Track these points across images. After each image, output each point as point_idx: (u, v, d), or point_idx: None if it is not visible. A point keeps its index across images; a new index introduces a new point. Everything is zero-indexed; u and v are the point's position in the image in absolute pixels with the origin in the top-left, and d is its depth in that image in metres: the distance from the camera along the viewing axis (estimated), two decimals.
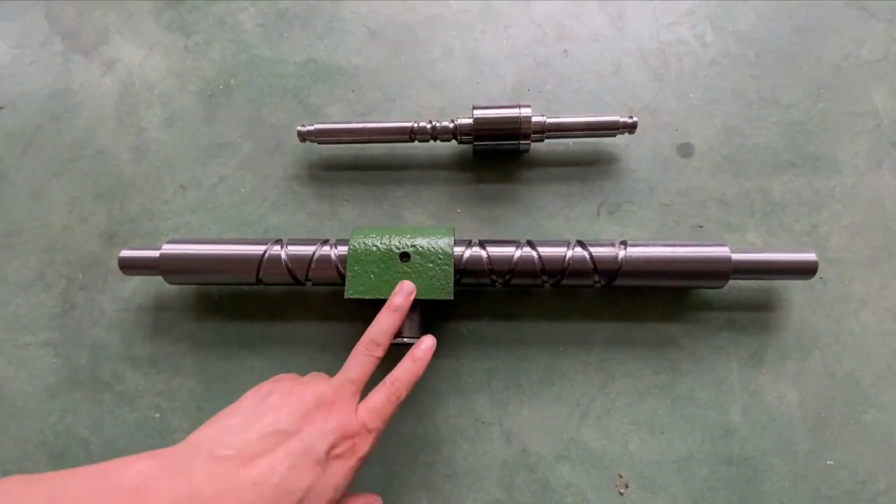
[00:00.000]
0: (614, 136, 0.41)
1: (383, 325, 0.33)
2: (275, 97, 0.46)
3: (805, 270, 0.37)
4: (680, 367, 0.39)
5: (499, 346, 0.40)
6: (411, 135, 0.42)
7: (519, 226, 0.43)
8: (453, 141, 0.42)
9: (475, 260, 0.37)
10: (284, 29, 0.48)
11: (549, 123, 0.41)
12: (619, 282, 0.37)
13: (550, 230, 0.42)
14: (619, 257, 0.36)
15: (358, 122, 0.42)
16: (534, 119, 0.40)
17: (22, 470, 0.40)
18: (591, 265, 0.37)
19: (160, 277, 0.39)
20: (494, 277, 0.37)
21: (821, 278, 0.40)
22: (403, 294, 0.34)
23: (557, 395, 0.39)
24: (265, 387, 0.31)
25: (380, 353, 0.32)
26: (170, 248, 0.39)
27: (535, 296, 0.41)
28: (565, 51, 0.46)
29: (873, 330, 0.39)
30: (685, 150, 0.43)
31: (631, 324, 0.40)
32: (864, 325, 0.39)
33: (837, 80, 0.44)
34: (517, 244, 0.38)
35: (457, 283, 0.37)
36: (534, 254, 0.37)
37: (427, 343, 0.33)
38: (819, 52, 0.44)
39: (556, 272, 0.37)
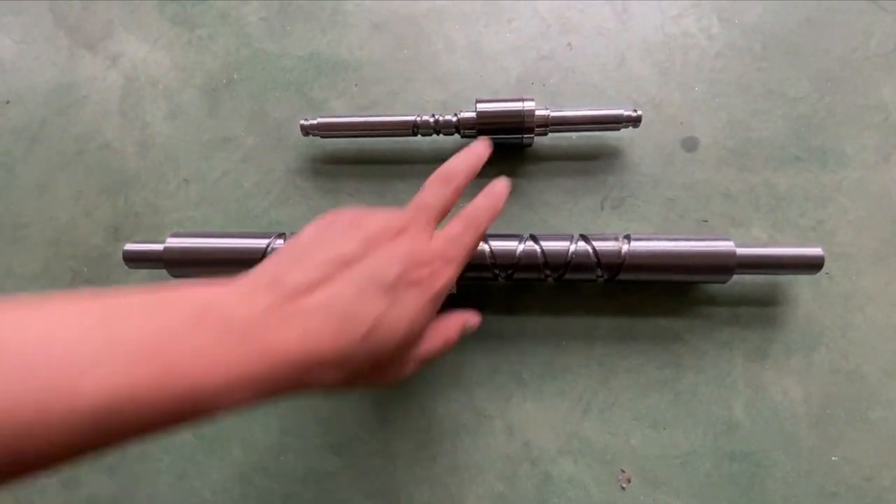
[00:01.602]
0: (618, 129, 0.41)
1: (457, 165, 0.29)
2: (278, 91, 0.46)
3: (811, 265, 0.36)
4: (683, 362, 0.39)
5: (501, 340, 0.40)
6: (414, 129, 0.42)
7: (522, 220, 0.42)
8: (456, 135, 0.42)
9: (478, 254, 0.37)
10: (287, 22, 0.48)
11: (553, 117, 0.40)
12: (622, 276, 0.37)
13: (554, 224, 0.42)
14: (623, 251, 0.36)
15: (361, 116, 0.42)
16: (537, 113, 0.40)
17: None
18: (594, 259, 0.36)
19: (165, 271, 0.40)
20: (497, 271, 0.37)
21: (827, 273, 0.40)
22: (483, 146, 0.31)
23: (560, 390, 0.39)
24: (328, 216, 0.27)
25: (457, 184, 0.29)
26: (174, 242, 0.39)
27: (537, 290, 0.41)
28: (569, 44, 0.46)
29: (880, 325, 0.39)
30: (690, 144, 0.43)
31: (634, 318, 0.40)
32: (871, 320, 0.39)
33: (845, 73, 0.43)
34: (520, 238, 0.38)
35: (460, 276, 0.37)
36: (537, 248, 0.37)
37: (503, 182, 0.30)
38: (827, 45, 0.44)
39: (558, 266, 0.37)
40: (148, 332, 0.19)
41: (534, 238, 0.37)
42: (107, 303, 0.19)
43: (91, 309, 0.19)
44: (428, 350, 0.27)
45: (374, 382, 0.26)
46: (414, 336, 0.25)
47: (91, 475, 0.40)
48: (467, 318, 0.30)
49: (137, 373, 0.18)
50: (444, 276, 0.26)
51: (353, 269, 0.24)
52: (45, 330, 0.17)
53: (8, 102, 0.48)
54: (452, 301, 0.40)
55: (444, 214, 0.29)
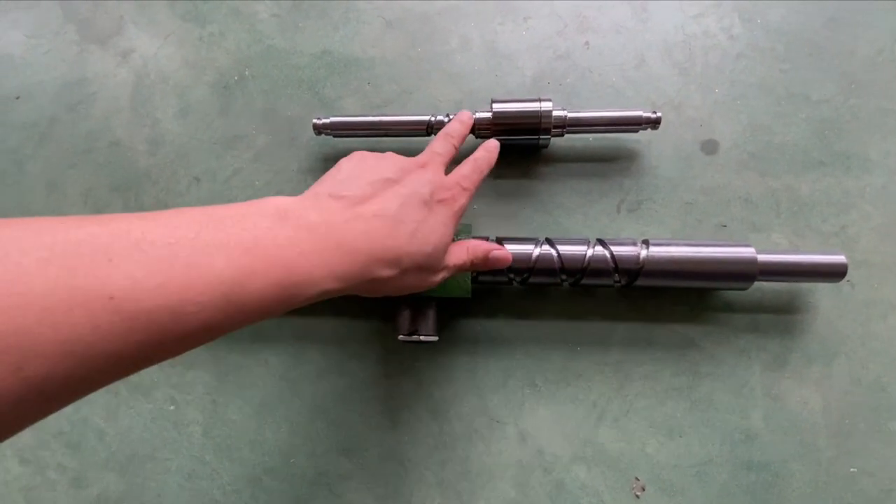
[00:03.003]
0: (636, 131, 0.40)
1: (454, 127, 0.36)
2: (290, 89, 0.46)
3: (834, 273, 0.36)
4: (700, 369, 0.38)
5: (515, 346, 0.40)
6: (428, 129, 0.41)
7: (536, 223, 0.42)
8: (471, 135, 0.41)
9: None
10: (300, 19, 0.47)
11: (570, 118, 0.40)
12: (640, 282, 0.36)
13: (569, 227, 0.41)
14: (642, 257, 0.36)
15: (374, 116, 0.42)
16: (554, 113, 0.39)
17: (39, 459, 0.41)
18: (612, 264, 0.36)
19: None
20: (512, 276, 0.37)
21: (848, 281, 0.39)
22: (467, 115, 0.38)
23: (574, 396, 0.39)
24: (355, 155, 0.32)
25: (456, 140, 0.36)
26: None
27: (551, 294, 0.40)
28: (587, 43, 0.45)
29: None
30: (710, 147, 0.42)
31: (650, 324, 0.39)
32: (893, 329, 0.38)
33: (870, 75, 0.42)
34: (536, 242, 0.37)
35: (474, 280, 0.37)
36: (553, 252, 0.36)
37: (494, 141, 0.37)
38: (852, 46, 0.43)
39: (575, 271, 0.36)
40: (246, 230, 0.23)
41: (550, 242, 0.37)
42: (208, 211, 0.23)
43: (197, 217, 0.22)
44: (455, 262, 0.32)
45: (417, 284, 0.30)
46: (445, 242, 0.30)
47: (100, 474, 0.40)
48: (492, 247, 0.34)
49: (246, 260, 0.22)
50: (462, 199, 0.32)
51: (395, 187, 0.29)
52: (169, 232, 0.20)
53: (18, 98, 0.48)
54: (467, 305, 0.40)
55: (449, 162, 0.34)
